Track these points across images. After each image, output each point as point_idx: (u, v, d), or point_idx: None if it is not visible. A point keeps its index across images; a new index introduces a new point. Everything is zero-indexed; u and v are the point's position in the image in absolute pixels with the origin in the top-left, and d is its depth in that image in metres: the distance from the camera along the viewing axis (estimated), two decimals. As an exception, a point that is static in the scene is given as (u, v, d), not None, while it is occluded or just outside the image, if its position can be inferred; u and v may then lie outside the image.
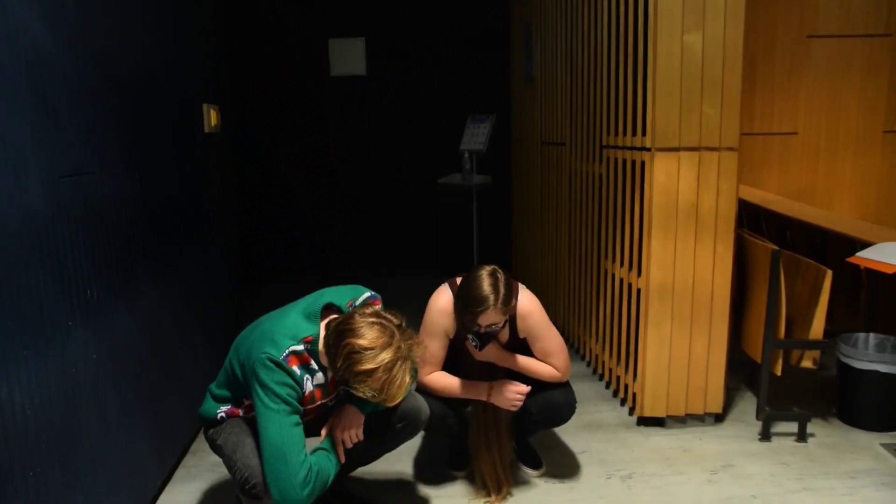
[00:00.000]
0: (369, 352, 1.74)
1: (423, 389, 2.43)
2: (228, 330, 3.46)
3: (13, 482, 1.58)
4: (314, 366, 1.92)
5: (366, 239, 6.01)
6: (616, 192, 3.20)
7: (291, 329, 1.88)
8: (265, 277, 5.89)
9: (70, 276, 1.91)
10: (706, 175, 2.81)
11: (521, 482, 2.62)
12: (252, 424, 1.96)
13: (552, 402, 2.46)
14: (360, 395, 1.78)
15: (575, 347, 4.00)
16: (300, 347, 1.87)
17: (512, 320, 2.41)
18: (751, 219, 4.28)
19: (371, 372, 1.73)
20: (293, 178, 5.83)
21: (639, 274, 2.98)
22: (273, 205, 5.87)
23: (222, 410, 2.10)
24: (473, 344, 2.32)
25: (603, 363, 3.54)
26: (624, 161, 3.08)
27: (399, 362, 1.76)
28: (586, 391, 3.47)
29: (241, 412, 2.11)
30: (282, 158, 5.78)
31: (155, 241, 2.59)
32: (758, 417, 2.95)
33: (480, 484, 2.51)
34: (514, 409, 2.38)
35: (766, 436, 2.93)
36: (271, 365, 1.81)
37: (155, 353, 2.54)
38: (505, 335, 2.44)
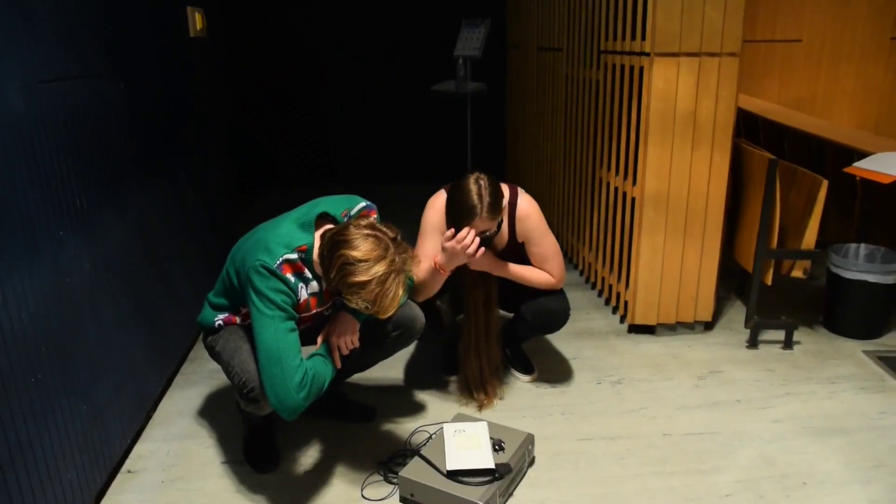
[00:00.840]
0: (363, 264, 1.74)
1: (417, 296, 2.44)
2: (223, 240, 3.46)
3: (15, 386, 1.60)
4: (308, 274, 1.92)
5: (359, 148, 5.94)
6: (613, 99, 3.14)
7: (285, 238, 1.88)
8: (260, 187, 5.84)
9: (58, 186, 1.88)
10: (706, 81, 2.74)
11: (513, 387, 2.69)
12: (249, 331, 1.98)
13: (547, 309, 2.49)
14: (354, 306, 1.79)
15: (568, 256, 4.03)
16: (294, 256, 1.86)
17: (511, 224, 2.41)
18: (749, 128, 4.23)
19: (364, 284, 1.74)
20: (285, 89, 5.70)
21: (634, 183, 2.96)
22: (268, 114, 5.76)
23: (220, 318, 2.12)
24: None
25: (596, 272, 3.58)
26: (622, 67, 3.00)
27: (393, 275, 1.76)
28: (579, 299, 3.51)
29: (238, 320, 2.13)
30: (274, 64, 5.64)
31: (144, 150, 2.54)
32: (746, 326, 3.01)
33: (468, 388, 2.58)
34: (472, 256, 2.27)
35: (753, 343, 3.00)
36: (265, 272, 1.81)
37: (149, 263, 2.54)
38: (503, 239, 2.45)
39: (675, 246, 2.95)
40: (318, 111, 5.82)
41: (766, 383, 2.71)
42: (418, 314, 2.27)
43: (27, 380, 1.66)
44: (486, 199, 2.19)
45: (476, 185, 2.22)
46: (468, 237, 2.20)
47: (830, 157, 3.83)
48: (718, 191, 2.88)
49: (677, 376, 2.77)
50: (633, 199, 2.97)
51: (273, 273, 1.81)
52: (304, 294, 1.92)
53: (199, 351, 2.98)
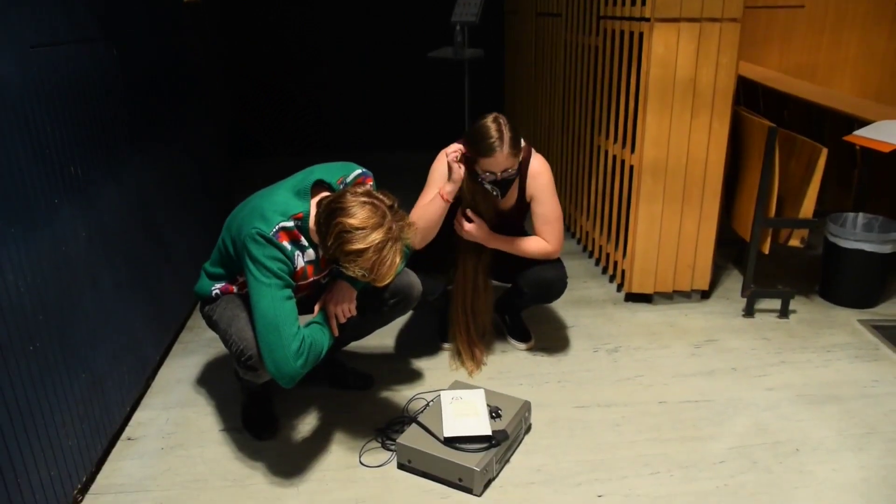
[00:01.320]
0: (360, 231, 1.72)
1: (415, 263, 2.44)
2: (220, 207, 3.45)
3: (14, 354, 1.61)
4: (304, 242, 1.91)
5: (356, 115, 5.88)
6: (612, 65, 3.10)
7: (281, 206, 1.86)
8: (257, 154, 5.80)
9: (52, 153, 1.86)
10: (706, 48, 2.71)
11: (510, 355, 2.70)
12: (246, 300, 1.98)
13: (543, 279, 2.49)
14: (351, 274, 1.79)
15: (566, 225, 4.02)
16: (290, 224, 1.85)
17: (522, 181, 2.42)
18: (748, 96, 4.19)
19: (361, 252, 1.73)
20: (282, 55, 5.62)
21: (632, 151, 2.94)
22: (266, 81, 5.69)
23: (216, 287, 2.12)
24: (494, 193, 2.35)
25: (593, 240, 3.57)
26: (622, 33, 2.96)
27: (390, 243, 1.75)
28: (576, 268, 3.52)
29: (235, 289, 2.13)
30: (271, 32, 5.55)
31: (138, 117, 2.51)
32: (743, 294, 3.02)
33: (458, 353, 2.61)
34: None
35: (749, 312, 3.01)
36: (261, 240, 1.80)
37: (145, 230, 2.53)
38: (512, 198, 2.45)
39: (673, 214, 2.95)
40: (315, 78, 5.75)
41: (762, 352, 2.72)
42: (415, 282, 2.27)
43: (25, 348, 1.66)
44: (507, 135, 2.20)
45: (496, 123, 2.22)
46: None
47: (830, 126, 3.81)
48: (717, 159, 2.86)
49: (673, 345, 2.78)
50: (632, 168, 2.96)
51: (269, 241, 1.81)
52: (300, 262, 1.92)
53: (197, 320, 2.99)
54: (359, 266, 1.75)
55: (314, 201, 1.89)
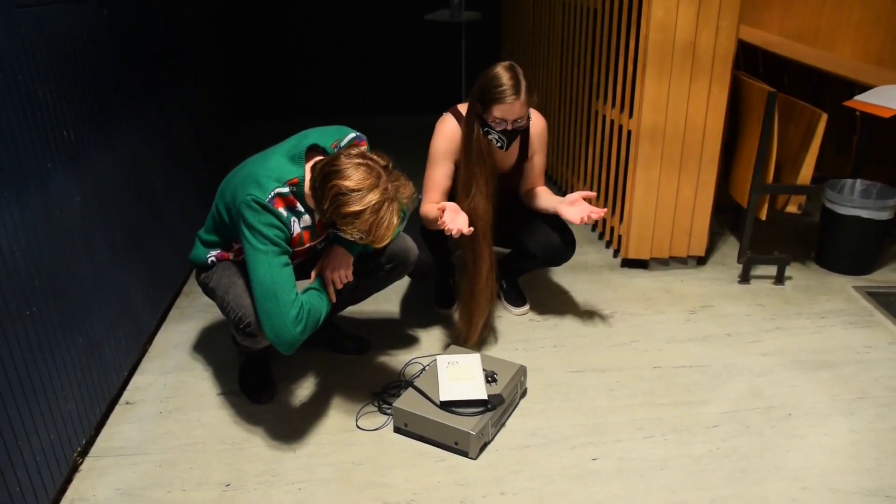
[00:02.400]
0: (356, 193, 1.71)
1: (420, 227, 2.44)
2: (215, 171, 3.42)
3: (10, 318, 1.61)
4: (300, 208, 1.90)
5: (352, 78, 5.81)
6: (611, 28, 3.06)
7: (275, 171, 1.85)
8: (252, 118, 5.75)
9: (43, 116, 1.83)
10: (706, 11, 2.67)
11: (506, 320, 2.71)
12: (242, 266, 1.98)
13: (554, 243, 2.48)
14: (348, 237, 1.78)
15: (563, 190, 4.01)
16: (285, 190, 1.84)
17: (525, 138, 2.41)
18: (748, 61, 4.15)
19: (358, 214, 1.72)
20: (282, 18, 5.53)
21: (630, 116, 2.92)
22: (262, 43, 5.61)
23: (212, 255, 2.11)
24: (498, 144, 2.28)
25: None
26: (622, -4, 2.92)
27: (386, 203, 1.74)
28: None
29: (231, 256, 2.12)
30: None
31: (130, 79, 2.47)
32: (739, 261, 3.02)
33: (467, 322, 2.56)
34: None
35: (745, 278, 3.02)
36: (257, 207, 1.79)
37: (140, 195, 2.51)
38: (513, 155, 2.45)
39: (671, 180, 2.94)
40: (312, 40, 5.67)
41: (757, 318, 2.74)
42: (412, 246, 2.27)
43: (22, 313, 1.66)
44: (524, 83, 2.17)
45: (512, 70, 2.16)
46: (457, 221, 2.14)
47: (830, 91, 3.78)
48: (716, 124, 2.84)
49: (669, 310, 2.80)
50: (629, 132, 2.94)
51: (265, 208, 1.79)
52: (296, 228, 1.91)
53: (193, 285, 2.99)
54: (356, 228, 1.74)
55: (308, 166, 1.87)
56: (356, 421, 2.14)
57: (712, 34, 2.70)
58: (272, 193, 1.81)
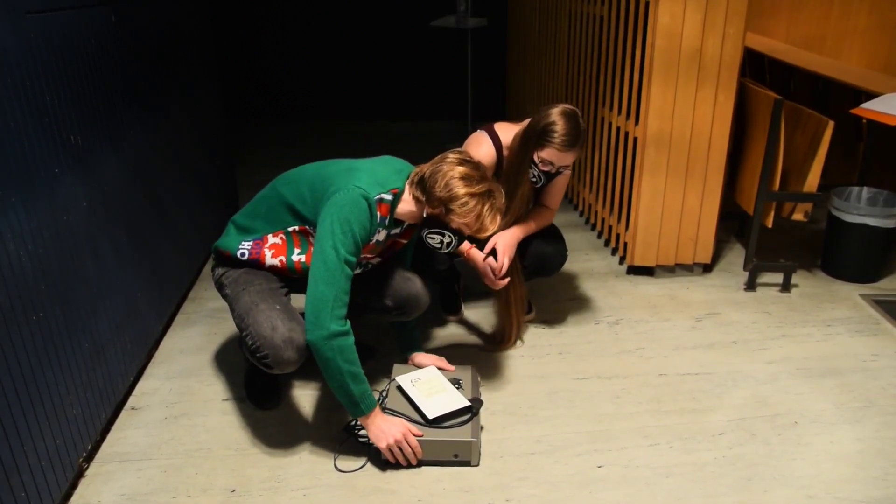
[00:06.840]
0: (469, 179, 1.86)
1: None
2: (221, 175, 3.43)
3: (17, 323, 1.61)
4: (387, 221, 1.96)
5: (359, 83, 5.83)
6: (617, 35, 3.06)
7: (381, 177, 1.93)
8: (258, 121, 5.77)
9: (51, 121, 1.84)
10: (713, 18, 2.67)
11: (511, 327, 2.71)
12: (271, 282, 2.00)
13: (543, 253, 2.49)
14: (454, 226, 1.90)
15: (568, 197, 4.01)
16: (389, 196, 1.92)
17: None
18: (754, 68, 4.14)
19: (472, 195, 1.84)
20: (288, 23, 5.56)
21: (636, 123, 2.92)
22: (269, 50, 5.63)
23: (245, 247, 2.05)
24: (534, 180, 2.31)
25: (596, 213, 3.56)
26: (627, 2, 2.92)
27: (495, 193, 1.89)
28: (578, 240, 3.51)
29: (266, 254, 2.04)
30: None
31: (137, 84, 2.48)
32: (745, 268, 3.02)
33: (500, 335, 2.59)
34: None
35: (751, 286, 3.01)
36: (363, 201, 1.83)
37: (146, 200, 2.52)
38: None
39: (677, 187, 2.93)
40: (318, 45, 5.69)
41: (763, 325, 2.73)
42: (421, 293, 2.22)
43: (28, 317, 1.67)
44: (582, 136, 2.21)
45: (574, 120, 2.18)
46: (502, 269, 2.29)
47: (836, 98, 3.77)
48: (722, 131, 2.84)
49: (674, 317, 2.79)
50: (636, 140, 2.94)
51: (370, 206, 1.86)
52: (374, 238, 1.96)
53: (199, 291, 3.00)
54: (469, 210, 1.84)
55: (406, 182, 1.98)
56: (356, 432, 2.11)
57: (718, 41, 2.71)
58: (379, 196, 1.89)
